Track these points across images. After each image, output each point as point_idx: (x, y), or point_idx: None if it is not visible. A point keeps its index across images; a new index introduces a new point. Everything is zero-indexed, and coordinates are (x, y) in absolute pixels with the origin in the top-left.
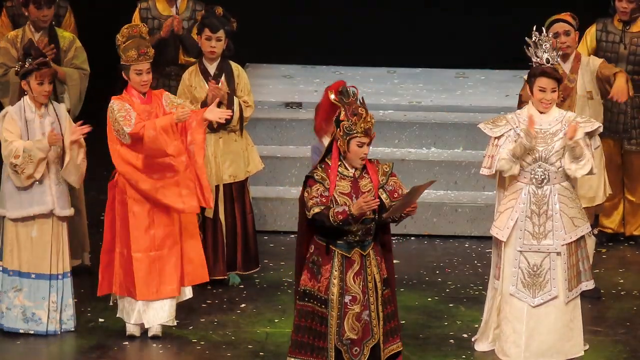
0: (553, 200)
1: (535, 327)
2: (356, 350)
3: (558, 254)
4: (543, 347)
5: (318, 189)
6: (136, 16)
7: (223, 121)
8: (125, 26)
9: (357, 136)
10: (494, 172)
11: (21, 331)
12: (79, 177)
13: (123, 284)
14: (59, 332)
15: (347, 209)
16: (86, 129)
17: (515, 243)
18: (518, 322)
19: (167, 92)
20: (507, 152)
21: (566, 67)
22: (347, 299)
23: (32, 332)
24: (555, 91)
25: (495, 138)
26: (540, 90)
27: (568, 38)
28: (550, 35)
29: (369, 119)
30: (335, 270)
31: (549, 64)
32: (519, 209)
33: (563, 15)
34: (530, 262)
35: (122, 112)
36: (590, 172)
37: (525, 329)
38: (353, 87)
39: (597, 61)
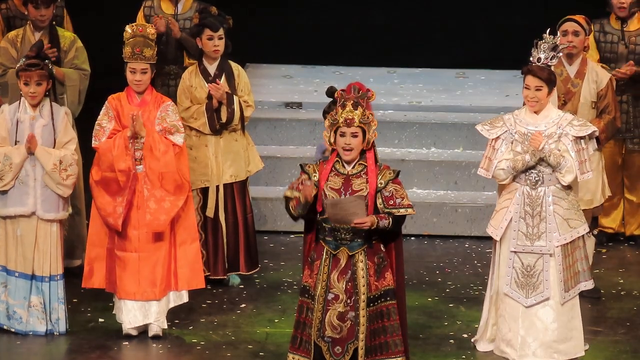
0: (547, 202)
1: (530, 327)
2: (338, 349)
3: (551, 255)
4: (539, 347)
5: (300, 177)
6: (140, 15)
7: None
8: (134, 23)
9: (340, 125)
10: (490, 176)
11: (5, 327)
12: (56, 185)
13: (111, 280)
14: (56, 333)
15: (300, 196)
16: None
17: (510, 243)
18: (513, 321)
19: (170, 104)
20: (507, 163)
21: (571, 71)
22: (330, 296)
23: (13, 329)
24: (539, 90)
25: (492, 140)
26: (525, 88)
27: (575, 38)
28: (559, 34)
29: (352, 112)
30: (323, 267)
31: (540, 63)
32: (513, 209)
33: (577, 17)
34: (524, 263)
35: (102, 122)
36: (576, 179)
37: (520, 328)
38: (368, 90)
39: (604, 78)
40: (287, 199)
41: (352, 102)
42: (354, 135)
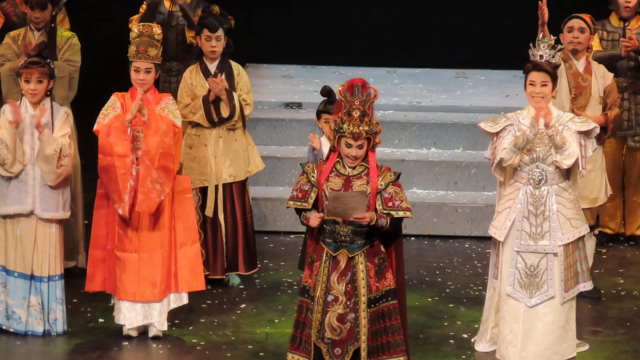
0: (550, 201)
1: (532, 327)
2: (338, 351)
3: (555, 254)
4: (539, 348)
5: (299, 182)
6: (142, 11)
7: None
8: (141, 23)
9: (345, 136)
10: (498, 159)
11: (3, 327)
12: (49, 171)
13: (112, 281)
14: (53, 333)
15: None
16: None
17: (513, 243)
18: (515, 322)
19: (169, 98)
20: (508, 142)
21: (580, 66)
22: (330, 298)
23: (11, 329)
24: (545, 85)
25: (496, 134)
26: (530, 84)
27: (581, 35)
28: (565, 31)
29: (360, 125)
30: (323, 268)
31: (542, 61)
32: (516, 209)
33: (583, 15)
34: (527, 263)
35: (106, 110)
36: (576, 163)
37: (521, 329)
38: (373, 89)
39: (609, 75)
40: (297, 210)
41: (359, 113)
42: (360, 147)
